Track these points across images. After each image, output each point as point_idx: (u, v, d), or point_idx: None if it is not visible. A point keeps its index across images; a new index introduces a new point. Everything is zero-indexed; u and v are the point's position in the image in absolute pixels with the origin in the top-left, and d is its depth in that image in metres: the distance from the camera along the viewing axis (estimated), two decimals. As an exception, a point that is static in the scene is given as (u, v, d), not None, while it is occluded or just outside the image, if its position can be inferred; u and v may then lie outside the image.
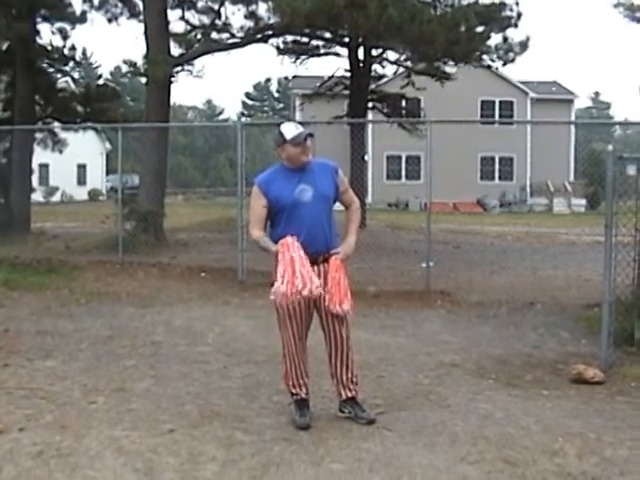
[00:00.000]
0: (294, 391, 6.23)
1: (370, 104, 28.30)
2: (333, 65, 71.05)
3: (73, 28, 23.33)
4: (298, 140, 5.97)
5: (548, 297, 12.36)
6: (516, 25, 20.65)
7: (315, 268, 5.95)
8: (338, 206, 6.25)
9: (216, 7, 21.14)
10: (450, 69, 25.14)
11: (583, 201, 45.72)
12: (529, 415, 6.41)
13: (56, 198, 50.50)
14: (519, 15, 20.58)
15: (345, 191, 6.30)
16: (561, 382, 7.54)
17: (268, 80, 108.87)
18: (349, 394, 6.23)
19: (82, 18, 23.12)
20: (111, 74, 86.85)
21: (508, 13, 20.46)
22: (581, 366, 7.64)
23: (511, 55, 20.74)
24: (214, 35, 21.26)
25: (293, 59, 26.62)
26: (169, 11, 20.32)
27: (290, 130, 6.05)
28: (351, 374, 6.23)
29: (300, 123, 6.27)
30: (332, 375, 6.27)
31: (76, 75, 29.34)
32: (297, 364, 6.17)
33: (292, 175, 6.05)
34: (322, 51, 26.76)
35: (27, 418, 6.23)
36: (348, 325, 6.18)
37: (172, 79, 19.77)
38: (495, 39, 20.46)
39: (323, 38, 24.83)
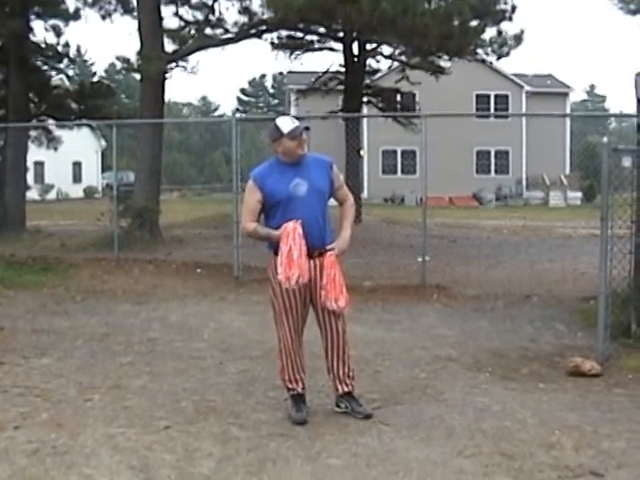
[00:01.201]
0: (290, 386, 6.22)
1: (365, 99, 28.25)
2: (327, 60, 70.91)
3: (67, 25, 23.39)
4: (295, 134, 5.96)
5: (544, 290, 12.34)
6: (510, 18, 20.68)
7: (311, 262, 5.95)
8: (332, 202, 6.24)
9: (210, 3, 21.12)
10: (444, 63, 25.07)
11: (579, 194, 45.72)
12: (526, 408, 6.40)
13: (51, 196, 50.51)
14: (513, 8, 20.63)
15: (340, 187, 6.30)
16: (558, 375, 7.54)
17: (263, 76, 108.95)
18: (345, 389, 6.22)
19: (76, 15, 23.11)
20: (105, 71, 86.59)
21: (502, 6, 20.50)
22: (578, 359, 7.64)
23: (505, 49, 20.75)
24: (208, 31, 21.20)
25: (287, 54, 26.53)
26: (163, 7, 20.34)
27: (286, 124, 6.04)
28: (347, 369, 6.22)
29: (295, 117, 6.24)
30: (328, 370, 6.26)
31: (70, 72, 29.22)
32: (293, 359, 6.16)
33: (287, 169, 6.04)
34: (316, 46, 26.67)
35: (22, 416, 6.22)
36: (344, 320, 6.18)
37: (166, 75, 19.74)
38: (489, 33, 20.48)
39: (317, 33, 24.79)
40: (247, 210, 6.10)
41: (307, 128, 6.07)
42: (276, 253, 5.97)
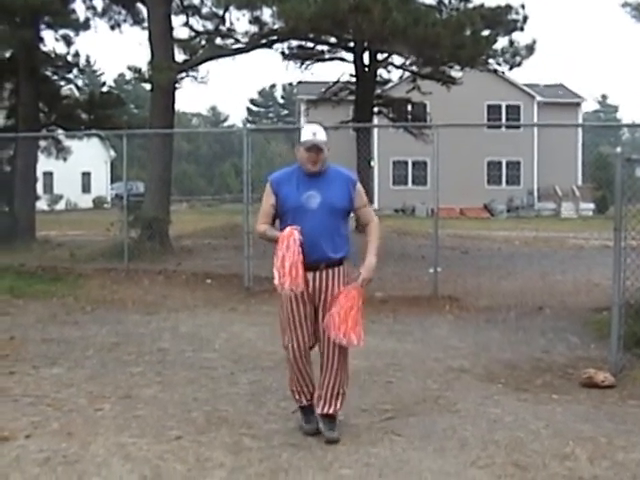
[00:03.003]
0: (297, 397, 6.18)
1: (376, 109, 28.33)
2: (338, 70, 70.97)
3: (77, 35, 23.44)
4: (307, 145, 5.87)
5: (557, 302, 12.34)
6: (522, 28, 20.65)
7: (317, 274, 5.90)
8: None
9: (220, 13, 21.19)
10: (456, 73, 25.14)
11: (591, 205, 45.67)
12: (539, 419, 6.40)
13: (60, 206, 50.59)
14: (525, 18, 20.59)
15: (361, 207, 6.15)
16: (571, 386, 7.54)
17: (273, 86, 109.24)
18: (326, 410, 6.00)
19: (86, 25, 23.21)
20: (115, 81, 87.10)
21: (514, 16, 20.47)
22: (591, 370, 7.64)
23: (517, 59, 20.72)
24: (218, 41, 21.29)
25: (298, 64, 26.67)
26: (173, 17, 20.42)
27: (307, 132, 5.95)
28: (337, 389, 6.02)
29: (325, 128, 6.09)
30: (319, 385, 6.08)
31: (80, 82, 29.22)
32: (296, 371, 6.07)
33: (305, 179, 5.94)
34: (327, 56, 26.79)
35: (33, 425, 6.24)
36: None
37: (176, 85, 19.82)
38: (501, 42, 20.42)
39: (328, 43, 24.88)
40: (262, 212, 6.06)
41: (320, 146, 5.90)
42: None
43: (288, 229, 5.80)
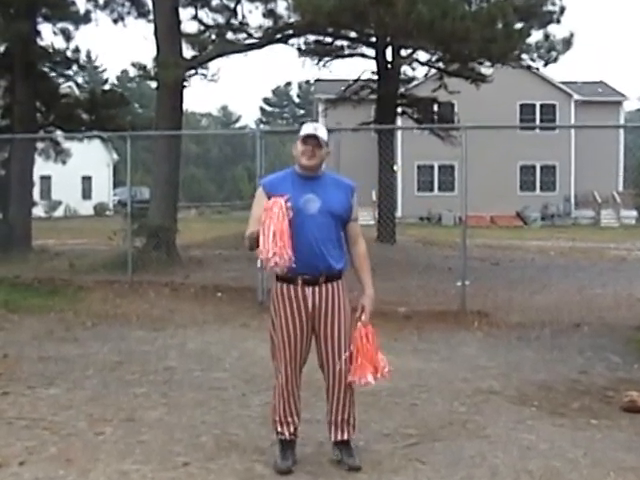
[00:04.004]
0: (279, 429, 6.03)
1: (399, 109, 28.31)
2: (359, 67, 71.05)
3: (77, 29, 23.47)
4: (306, 137, 5.85)
5: (595, 318, 12.30)
6: (559, 21, 20.60)
7: (316, 290, 5.86)
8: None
9: (232, 5, 21.26)
10: (486, 70, 25.12)
11: (634, 212, 45.54)
12: (577, 447, 6.36)
13: (59, 213, 50.86)
14: (562, 10, 20.54)
15: (355, 219, 6.09)
16: (612, 411, 7.49)
17: (288, 84, 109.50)
18: (340, 437, 5.98)
19: (86, 18, 23.28)
20: (118, 79, 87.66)
21: (550, 8, 20.42)
22: (634, 393, 7.59)
23: (553, 54, 20.64)
24: (230, 35, 21.34)
25: (315, 61, 26.70)
26: (180, 10, 20.46)
27: (308, 127, 5.97)
28: (347, 415, 5.98)
29: (329, 130, 6.12)
30: (327, 412, 6.06)
31: (80, 80, 29.39)
32: (286, 399, 5.98)
33: (301, 182, 5.91)
34: (347, 52, 26.82)
35: (28, 451, 6.24)
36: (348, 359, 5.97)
37: (184, 83, 19.86)
38: (536, 36, 20.35)
39: (348, 38, 24.91)
40: (252, 219, 5.87)
41: (319, 139, 5.86)
42: (278, 278, 5.91)
43: (272, 199, 5.68)
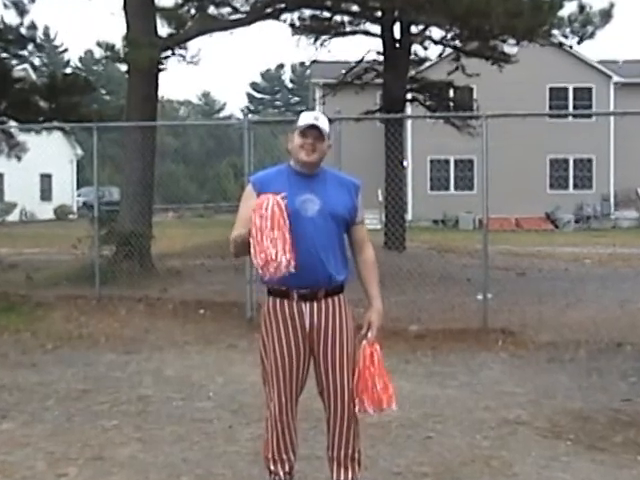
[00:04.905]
0: (272, 468, 5.96)
1: (409, 95, 28.35)
2: (362, 47, 71.07)
3: (32, 1, 23.40)
4: (303, 128, 5.75)
5: (640, 337, 12.32)
6: (596, -11, 20.61)
7: (315, 306, 5.77)
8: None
9: (214, -26, 21.27)
10: (510, 49, 25.12)
11: (684, 213, 45.60)
12: (619, 486, 6.38)
13: (14, 217, 50.85)
14: (600, -24, 20.56)
15: (360, 222, 6.00)
16: (660, 444, 7.51)
17: (280, 67, 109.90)
18: (342, 476, 5.90)
19: (44, -12, 23.25)
20: (81, 60, 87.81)
21: (586, -27, 20.42)
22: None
23: (589, 29, 20.60)
24: (212, 10, 21.35)
25: (312, 40, 26.73)
26: (155, -20, 20.44)
27: (306, 117, 5.83)
28: (352, 450, 5.89)
29: (330, 120, 6.02)
30: (328, 447, 5.96)
31: (37, 61, 29.54)
32: (280, 433, 5.89)
33: (298, 180, 5.81)
34: (348, 29, 26.84)
35: (-22, 497, 6.26)
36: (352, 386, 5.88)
37: (160, 66, 19.84)
38: (568, 8, 20.32)
39: (349, 12, 24.91)
40: (240, 220, 5.78)
41: (320, 130, 5.80)
42: (269, 292, 5.86)
43: (263, 195, 5.59)
